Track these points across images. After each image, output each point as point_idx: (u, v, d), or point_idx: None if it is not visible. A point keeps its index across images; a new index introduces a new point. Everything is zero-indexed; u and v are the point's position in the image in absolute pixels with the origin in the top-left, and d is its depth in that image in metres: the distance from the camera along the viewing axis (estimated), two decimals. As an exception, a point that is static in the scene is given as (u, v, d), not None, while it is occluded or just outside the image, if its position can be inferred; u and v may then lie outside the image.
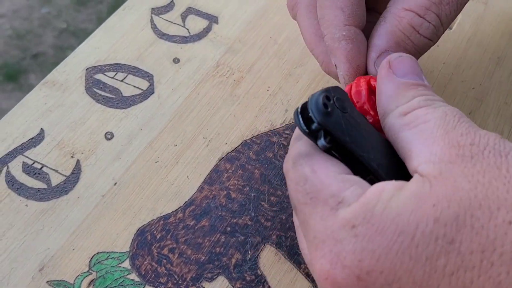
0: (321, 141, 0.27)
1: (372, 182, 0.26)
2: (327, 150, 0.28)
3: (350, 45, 0.34)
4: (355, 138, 0.27)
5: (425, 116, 0.27)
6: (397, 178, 0.26)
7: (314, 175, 0.27)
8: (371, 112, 0.31)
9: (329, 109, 0.27)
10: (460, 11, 0.35)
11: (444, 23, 0.34)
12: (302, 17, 0.37)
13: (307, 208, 0.27)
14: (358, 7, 0.34)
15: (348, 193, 0.26)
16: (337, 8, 0.33)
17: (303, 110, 0.27)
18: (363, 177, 0.27)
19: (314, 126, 0.27)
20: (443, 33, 0.35)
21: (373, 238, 0.24)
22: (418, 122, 0.27)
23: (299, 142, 0.29)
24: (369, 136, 0.28)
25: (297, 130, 0.29)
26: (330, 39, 0.34)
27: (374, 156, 0.28)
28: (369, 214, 0.24)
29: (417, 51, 0.34)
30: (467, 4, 0.50)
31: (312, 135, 0.27)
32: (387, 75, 0.30)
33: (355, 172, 0.27)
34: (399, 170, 0.28)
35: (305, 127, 0.27)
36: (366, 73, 0.34)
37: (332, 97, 0.28)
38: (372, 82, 0.32)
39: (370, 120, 0.31)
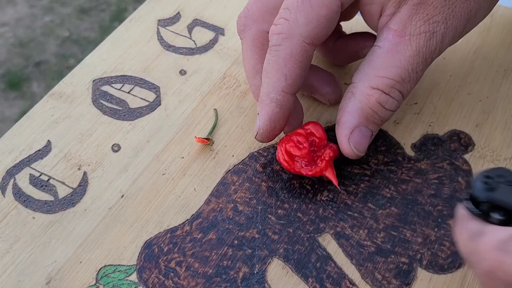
0: (495, 215, 0.28)
1: None
2: (503, 223, 0.28)
3: (277, 109, 0.37)
4: None
5: None
6: None
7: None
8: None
9: (492, 186, 0.29)
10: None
11: (405, 97, 0.38)
12: (246, 46, 0.40)
13: None
14: (300, 79, 0.37)
15: None
16: (282, 74, 0.36)
17: (471, 198, 0.29)
18: None
19: (483, 206, 0.29)
20: None
21: None
22: None
23: (471, 224, 0.29)
24: None
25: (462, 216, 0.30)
26: (265, 95, 0.37)
27: None
28: None
29: (382, 122, 0.38)
30: (473, 17, 0.50)
31: (484, 215, 0.29)
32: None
33: None
34: None
35: (476, 210, 0.29)
36: (278, 133, 0.39)
37: (493, 176, 0.29)
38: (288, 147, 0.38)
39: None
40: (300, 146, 0.38)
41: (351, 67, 0.47)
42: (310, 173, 0.38)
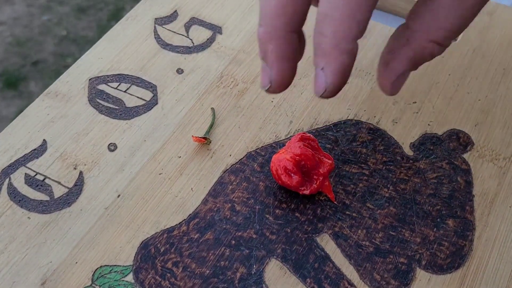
0: None
1: None
2: None
3: (350, 59, 0.33)
4: None
5: None
6: None
7: None
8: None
9: None
10: None
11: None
12: None
13: None
14: (366, 27, 0.32)
15: None
16: (355, 20, 0.32)
17: None
18: None
19: None
20: None
21: None
22: None
23: None
24: None
25: None
26: (333, 46, 0.32)
27: None
28: None
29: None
30: (472, 15, 0.50)
31: None
32: None
33: None
34: None
35: None
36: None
37: None
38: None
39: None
40: (292, 175, 0.38)
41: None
42: (307, 192, 0.38)
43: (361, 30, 0.32)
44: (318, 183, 0.38)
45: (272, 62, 0.33)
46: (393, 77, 0.35)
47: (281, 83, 0.34)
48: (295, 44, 0.34)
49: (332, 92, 0.33)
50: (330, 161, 0.38)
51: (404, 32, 0.35)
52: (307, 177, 0.38)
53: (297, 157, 0.37)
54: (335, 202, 0.38)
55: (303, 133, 0.39)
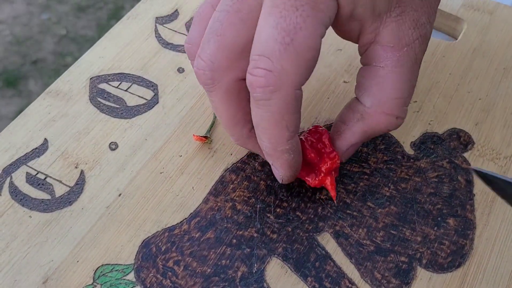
0: None
1: None
2: None
3: (291, 155, 0.35)
4: None
5: None
6: None
7: None
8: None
9: None
10: None
11: None
12: (220, 99, 0.35)
13: None
14: (299, 121, 0.34)
15: None
16: (283, 127, 0.33)
17: None
18: None
19: None
20: None
21: None
22: None
23: None
24: None
25: None
26: (272, 149, 0.35)
27: None
28: None
29: None
30: (472, 14, 0.50)
31: None
32: None
33: None
34: None
35: None
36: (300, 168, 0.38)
37: None
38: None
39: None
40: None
41: (351, 65, 0.46)
42: (310, 183, 0.38)
43: (292, 131, 0.34)
44: (320, 178, 0.38)
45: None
46: (345, 147, 0.38)
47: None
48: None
49: (288, 179, 0.37)
50: (330, 161, 0.37)
51: (357, 106, 0.37)
52: (312, 169, 0.38)
53: (315, 136, 0.38)
54: (335, 202, 0.39)
55: (316, 126, 0.39)
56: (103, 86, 0.45)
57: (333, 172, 0.38)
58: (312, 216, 0.38)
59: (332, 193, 0.38)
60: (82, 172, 0.40)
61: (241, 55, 0.33)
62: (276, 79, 0.31)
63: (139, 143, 0.42)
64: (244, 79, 0.33)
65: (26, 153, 0.41)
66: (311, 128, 0.39)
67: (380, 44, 0.34)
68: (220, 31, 0.32)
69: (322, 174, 0.38)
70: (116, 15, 1.78)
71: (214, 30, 0.32)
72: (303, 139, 0.38)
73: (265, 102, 0.32)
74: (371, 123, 0.36)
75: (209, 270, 0.36)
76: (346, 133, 0.37)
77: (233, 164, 0.41)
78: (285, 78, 0.31)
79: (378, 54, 0.35)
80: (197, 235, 0.37)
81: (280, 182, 0.38)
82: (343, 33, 0.35)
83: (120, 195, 0.39)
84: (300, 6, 0.30)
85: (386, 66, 0.34)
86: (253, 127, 0.35)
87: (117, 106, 0.44)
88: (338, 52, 0.47)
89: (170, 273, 0.36)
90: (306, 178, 0.38)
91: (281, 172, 0.36)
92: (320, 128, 0.38)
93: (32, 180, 0.40)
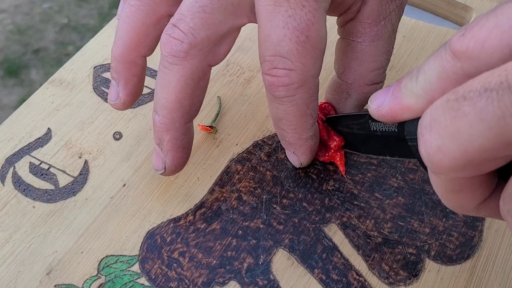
0: None
1: None
2: None
3: (314, 140, 0.37)
4: None
5: None
6: None
7: None
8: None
9: None
10: None
11: None
12: (181, 77, 0.33)
13: None
14: (318, 106, 0.36)
15: None
16: (307, 115, 0.34)
17: None
18: None
19: None
20: None
21: None
22: None
23: None
24: None
25: None
26: (296, 138, 0.36)
27: None
28: None
29: None
30: (481, 5, 0.49)
31: None
32: None
33: None
34: None
35: None
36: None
37: None
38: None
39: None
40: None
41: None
42: (320, 158, 0.39)
43: (315, 116, 0.35)
44: (330, 154, 0.38)
45: (168, 151, 0.36)
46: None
47: (176, 168, 0.37)
48: (190, 133, 0.36)
49: (307, 163, 0.38)
50: (338, 138, 0.38)
51: (341, 86, 0.38)
52: (322, 145, 0.39)
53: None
54: (344, 176, 0.39)
55: (324, 102, 0.39)
56: (107, 75, 0.45)
57: (342, 149, 0.38)
58: (319, 207, 0.37)
59: (341, 168, 0.39)
60: (86, 162, 0.40)
61: (221, 41, 0.34)
62: (300, 76, 0.32)
63: (144, 133, 0.41)
64: (211, 66, 0.34)
65: (29, 143, 0.41)
66: (318, 104, 0.39)
67: (359, 20, 0.36)
68: (210, 10, 0.32)
69: (332, 151, 0.38)
70: (117, 4, 1.77)
71: (202, 6, 0.32)
72: None
73: (290, 98, 0.33)
74: (358, 96, 0.38)
75: (214, 261, 0.35)
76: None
77: (239, 154, 0.40)
78: (307, 72, 0.32)
79: (356, 30, 0.36)
80: (202, 226, 0.37)
81: (298, 167, 0.38)
82: (328, 12, 0.36)
83: (124, 185, 0.39)
84: (305, 2, 0.31)
85: (364, 41, 0.36)
86: (193, 117, 0.35)
87: (121, 95, 0.43)
88: (344, 41, 0.47)
89: (175, 265, 0.35)
90: (317, 153, 0.39)
91: (302, 158, 0.37)
92: (326, 104, 0.39)
93: (35, 170, 0.39)
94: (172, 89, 0.33)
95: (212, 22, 0.32)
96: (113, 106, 0.38)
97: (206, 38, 0.32)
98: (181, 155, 0.36)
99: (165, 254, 0.36)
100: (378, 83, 0.37)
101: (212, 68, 0.45)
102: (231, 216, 0.37)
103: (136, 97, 0.38)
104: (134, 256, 0.36)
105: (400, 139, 0.30)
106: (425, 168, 0.27)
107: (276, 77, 0.32)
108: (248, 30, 0.47)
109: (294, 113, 0.34)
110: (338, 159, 0.38)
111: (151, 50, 0.36)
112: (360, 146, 0.36)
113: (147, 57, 0.37)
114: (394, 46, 0.38)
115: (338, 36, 0.38)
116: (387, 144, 0.33)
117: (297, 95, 0.33)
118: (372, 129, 0.33)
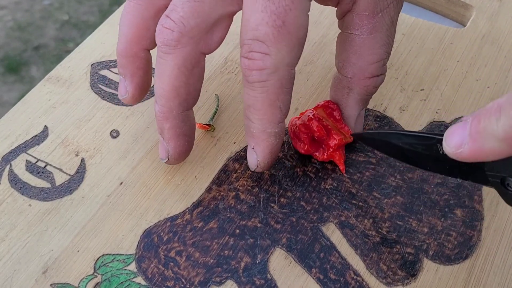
0: None
1: None
2: None
3: (277, 140, 0.35)
4: None
5: None
6: None
7: None
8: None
9: None
10: None
11: None
12: (175, 65, 0.34)
13: None
14: (290, 103, 0.35)
15: None
16: (276, 107, 0.34)
17: None
18: None
19: None
20: None
21: None
22: None
23: None
24: None
25: None
26: (260, 131, 0.35)
27: None
28: None
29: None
30: (481, 1, 0.49)
31: None
32: None
33: None
34: None
35: None
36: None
37: None
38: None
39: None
40: (300, 143, 0.39)
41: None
42: (318, 158, 0.39)
43: (284, 113, 0.35)
44: (329, 153, 0.38)
45: (169, 139, 0.36)
46: (352, 123, 0.39)
47: (179, 156, 0.37)
48: (190, 121, 0.36)
49: (263, 167, 0.37)
50: (338, 137, 0.38)
51: (342, 82, 0.38)
52: (320, 144, 0.39)
53: (306, 124, 0.38)
54: (344, 175, 0.38)
55: (328, 101, 0.39)
56: (105, 72, 0.44)
57: (342, 148, 0.38)
58: (317, 206, 0.37)
59: (341, 167, 0.38)
60: (82, 160, 0.40)
61: (212, 28, 0.34)
62: (273, 61, 0.32)
63: (141, 131, 0.41)
64: (205, 54, 0.34)
65: (26, 141, 0.40)
66: (322, 102, 0.39)
67: (356, 12, 0.36)
68: None
69: (331, 150, 0.38)
70: (118, 1, 1.77)
71: None
72: (311, 116, 0.38)
73: (261, 84, 0.33)
74: (360, 90, 0.38)
75: (211, 260, 0.35)
76: (345, 110, 0.39)
77: (237, 152, 0.40)
78: (281, 59, 0.32)
79: (353, 22, 0.36)
80: (199, 225, 0.36)
81: (253, 170, 0.37)
82: (323, 1, 0.37)
83: (121, 183, 0.38)
84: None
85: (362, 34, 0.36)
86: (192, 104, 0.36)
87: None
88: (343, 38, 0.46)
89: (172, 264, 0.35)
90: (315, 153, 0.39)
91: (260, 157, 0.36)
92: (330, 103, 0.39)
93: (32, 168, 0.39)
94: (167, 77, 0.34)
95: (201, 10, 0.32)
96: (123, 101, 0.38)
97: (196, 26, 0.33)
98: (183, 143, 0.36)
99: (162, 253, 0.35)
100: (378, 76, 0.37)
101: (210, 66, 0.45)
102: (228, 215, 0.37)
103: (144, 90, 0.38)
104: (130, 255, 0.35)
105: (477, 168, 0.29)
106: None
107: (251, 60, 0.32)
108: (247, 28, 0.47)
109: (263, 100, 0.33)
110: (337, 158, 0.38)
111: (153, 43, 0.36)
112: (425, 164, 0.33)
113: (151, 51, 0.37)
114: (393, 45, 0.37)
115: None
116: (459, 169, 0.31)
117: (269, 81, 0.33)
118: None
